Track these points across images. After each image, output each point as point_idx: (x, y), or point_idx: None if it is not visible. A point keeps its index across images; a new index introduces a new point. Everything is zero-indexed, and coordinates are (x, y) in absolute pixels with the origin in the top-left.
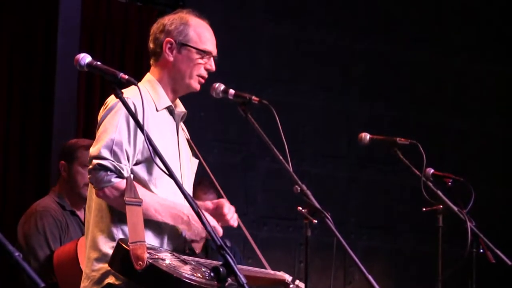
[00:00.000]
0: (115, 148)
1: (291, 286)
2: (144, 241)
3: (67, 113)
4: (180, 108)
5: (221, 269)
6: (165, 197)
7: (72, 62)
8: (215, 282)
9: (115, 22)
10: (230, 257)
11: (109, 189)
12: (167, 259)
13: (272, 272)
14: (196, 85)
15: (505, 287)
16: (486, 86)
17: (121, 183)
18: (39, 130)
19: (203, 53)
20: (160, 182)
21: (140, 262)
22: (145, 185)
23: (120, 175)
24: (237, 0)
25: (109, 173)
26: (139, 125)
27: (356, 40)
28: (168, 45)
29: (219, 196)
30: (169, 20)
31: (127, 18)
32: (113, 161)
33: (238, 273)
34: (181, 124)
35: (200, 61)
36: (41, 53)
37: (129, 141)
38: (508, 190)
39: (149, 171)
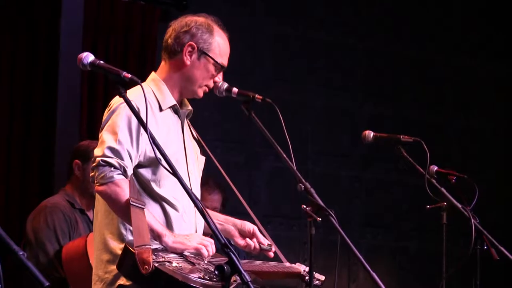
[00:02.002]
0: (118, 148)
1: (306, 278)
2: (150, 245)
3: (70, 113)
4: (186, 106)
5: (225, 268)
6: (174, 198)
7: (75, 61)
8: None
9: (118, 21)
10: (234, 255)
11: (110, 185)
12: (174, 261)
13: (287, 264)
14: (201, 94)
15: (510, 284)
16: (488, 84)
17: (123, 181)
18: (42, 130)
19: (220, 66)
20: (164, 182)
21: (146, 266)
22: (148, 185)
23: (124, 173)
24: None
25: (112, 169)
26: (143, 125)
27: (359, 39)
28: (189, 49)
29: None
30: (195, 23)
31: (130, 18)
32: (117, 159)
33: (243, 271)
34: (187, 121)
35: (214, 73)
36: (44, 53)
37: (131, 143)
38: (511, 187)
39: (154, 172)
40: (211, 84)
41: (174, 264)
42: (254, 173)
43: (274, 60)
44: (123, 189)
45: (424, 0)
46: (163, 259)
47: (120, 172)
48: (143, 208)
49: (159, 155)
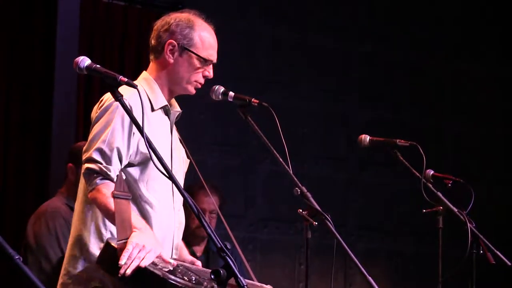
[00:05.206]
0: (106, 149)
1: None
2: None
3: (66, 116)
4: (175, 108)
5: (221, 272)
6: (156, 200)
7: (71, 65)
8: (202, 286)
9: (114, 25)
10: (231, 259)
11: (94, 192)
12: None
13: (258, 284)
14: (192, 90)
15: None
16: (485, 88)
17: (105, 185)
18: (38, 134)
19: (204, 60)
20: (152, 183)
21: None
22: (133, 185)
23: (106, 177)
24: (235, 3)
25: (94, 175)
26: (139, 128)
27: (355, 42)
28: (170, 47)
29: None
30: (175, 20)
31: (126, 21)
32: (101, 164)
33: (239, 276)
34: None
35: (200, 68)
36: (40, 56)
37: (123, 142)
38: (508, 191)
39: (142, 172)
40: (201, 79)
41: (155, 261)
42: (251, 176)
43: (270, 63)
44: (104, 193)
45: (422, 3)
46: None
47: (102, 177)
48: (128, 199)
49: (155, 159)
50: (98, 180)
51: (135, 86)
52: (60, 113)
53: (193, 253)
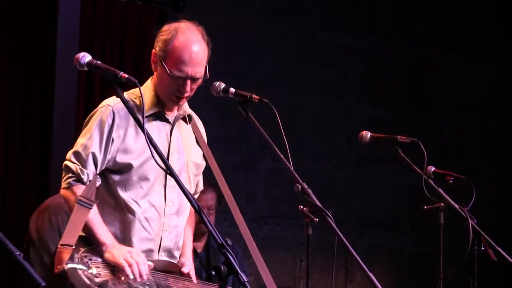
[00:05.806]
0: (83, 154)
1: None
2: (72, 246)
3: (67, 115)
4: (182, 111)
5: (222, 268)
6: (136, 204)
7: (72, 63)
8: None
9: (115, 21)
10: (231, 255)
11: (66, 190)
12: (97, 267)
13: None
14: (170, 103)
15: (507, 284)
16: (485, 84)
17: (77, 188)
18: (39, 133)
19: (167, 75)
20: (130, 186)
21: (58, 266)
22: (114, 188)
23: (79, 179)
24: (236, 0)
25: (71, 174)
26: (139, 124)
27: (356, 39)
28: (152, 57)
29: (219, 194)
30: (165, 29)
31: (126, 18)
32: (78, 165)
33: (239, 272)
34: (197, 124)
35: (171, 81)
36: (41, 54)
37: (100, 148)
38: (509, 188)
39: (122, 177)
40: (176, 93)
41: (92, 270)
42: (251, 173)
43: (271, 60)
44: (76, 196)
45: (423, 2)
46: (83, 262)
47: (76, 179)
48: (90, 208)
49: (156, 156)
50: (72, 181)
51: (135, 82)
52: (60, 112)
53: (193, 250)
